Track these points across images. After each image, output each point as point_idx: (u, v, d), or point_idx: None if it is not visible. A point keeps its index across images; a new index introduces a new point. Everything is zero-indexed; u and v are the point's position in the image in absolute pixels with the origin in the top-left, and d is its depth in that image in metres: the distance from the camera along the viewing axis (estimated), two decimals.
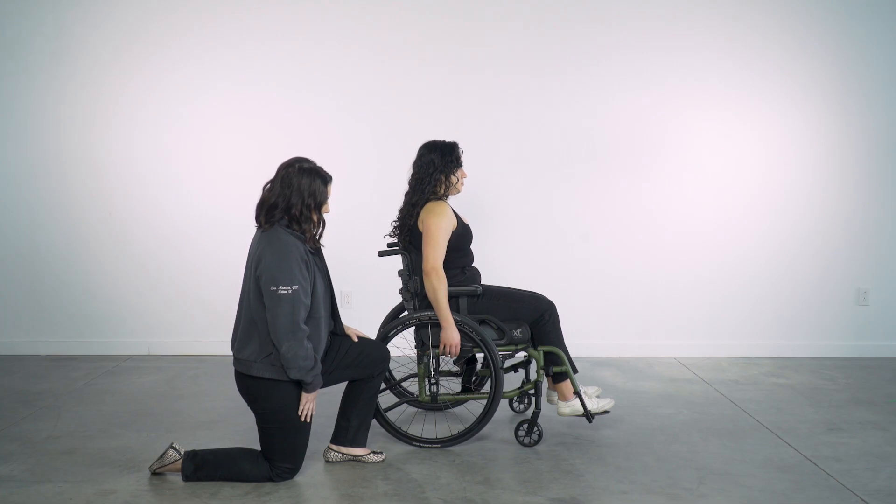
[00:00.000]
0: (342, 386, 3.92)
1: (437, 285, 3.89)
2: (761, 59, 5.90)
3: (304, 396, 3.56)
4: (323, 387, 3.67)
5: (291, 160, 3.59)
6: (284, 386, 3.53)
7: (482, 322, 4.07)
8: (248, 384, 3.57)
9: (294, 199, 3.51)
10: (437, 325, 3.98)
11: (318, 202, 3.56)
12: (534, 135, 5.92)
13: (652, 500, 3.47)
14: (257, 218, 3.59)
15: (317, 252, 3.66)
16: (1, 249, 6.02)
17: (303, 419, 3.59)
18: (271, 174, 3.63)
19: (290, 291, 3.41)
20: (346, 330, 3.87)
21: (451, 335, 3.92)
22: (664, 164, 5.97)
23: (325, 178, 3.59)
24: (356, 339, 3.84)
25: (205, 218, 5.96)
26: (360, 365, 3.78)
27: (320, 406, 4.55)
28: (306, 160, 3.60)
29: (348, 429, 3.84)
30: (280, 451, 3.58)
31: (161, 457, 3.65)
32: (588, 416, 4.11)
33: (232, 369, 3.70)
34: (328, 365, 3.70)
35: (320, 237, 3.66)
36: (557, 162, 5.94)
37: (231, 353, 3.67)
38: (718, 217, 6.01)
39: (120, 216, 5.98)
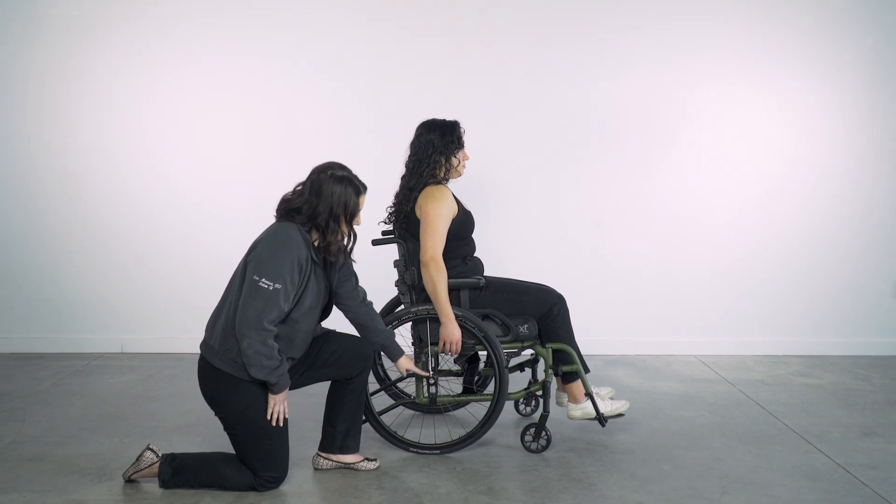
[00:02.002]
0: (327, 388, 3.89)
1: (436, 277, 3.87)
2: (789, 31, 5.88)
3: (272, 398, 3.54)
4: (293, 388, 3.66)
5: (326, 165, 3.60)
6: (247, 386, 3.51)
7: (485, 317, 4.06)
8: (210, 380, 3.55)
9: (321, 207, 3.51)
10: (436, 321, 3.97)
11: (349, 213, 3.56)
12: (541, 113, 5.91)
13: None
14: (277, 211, 3.60)
15: (323, 263, 3.64)
16: None
17: (273, 423, 3.56)
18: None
19: (271, 288, 3.39)
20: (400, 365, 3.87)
21: (452, 331, 3.90)
22: (682, 147, 5.96)
23: (357, 189, 3.59)
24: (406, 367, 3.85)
25: (183, 205, 5.95)
26: (337, 364, 3.77)
27: (307, 409, 4.54)
28: (341, 167, 3.61)
29: (335, 435, 3.83)
30: (257, 459, 3.56)
31: (136, 461, 3.64)
32: (601, 419, 4.10)
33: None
34: (299, 364, 3.69)
35: (351, 250, 3.65)
36: (566, 144, 5.93)
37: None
38: (742, 203, 6.00)
39: (91, 203, 5.97)
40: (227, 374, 3.50)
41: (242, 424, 3.54)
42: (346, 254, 3.64)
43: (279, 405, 3.56)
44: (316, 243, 3.57)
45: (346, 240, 3.61)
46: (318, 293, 3.62)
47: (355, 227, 3.63)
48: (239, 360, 3.47)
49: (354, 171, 3.64)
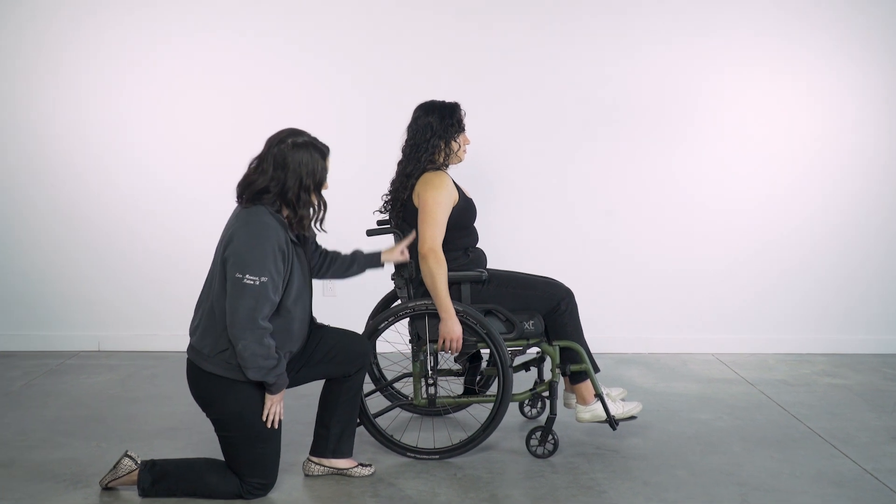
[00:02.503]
0: (320, 387, 3.90)
1: (436, 269, 3.86)
2: (815, 8, 5.86)
3: (268, 399, 3.54)
4: (291, 386, 3.65)
5: (282, 134, 3.54)
6: (243, 387, 3.51)
7: (488, 312, 4.05)
8: (201, 382, 3.54)
9: (290, 181, 3.48)
10: (435, 317, 3.96)
11: (318, 181, 3.53)
12: (548, 94, 5.89)
13: None
14: (239, 197, 3.55)
15: (300, 243, 3.63)
16: None
17: (269, 425, 3.56)
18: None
19: (258, 283, 3.37)
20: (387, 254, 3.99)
21: (452, 328, 3.90)
22: (700, 129, 5.95)
23: (322, 152, 3.57)
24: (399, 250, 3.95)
25: (164, 192, 5.95)
26: (332, 361, 3.76)
27: (298, 412, 4.54)
28: (297, 132, 3.56)
29: (328, 438, 3.83)
30: (247, 464, 3.56)
31: (114, 468, 3.64)
32: (612, 422, 4.10)
33: None
34: (295, 362, 3.68)
35: (322, 221, 3.62)
36: (574, 126, 5.92)
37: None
38: (764, 190, 5.99)
39: (65, 190, 5.96)
40: (220, 378, 3.49)
41: (237, 427, 3.53)
42: (312, 226, 3.60)
43: (276, 405, 3.56)
44: (288, 221, 3.54)
45: (318, 210, 3.58)
46: (304, 275, 3.62)
47: (324, 193, 3.60)
48: (233, 361, 3.46)
49: (314, 134, 3.60)
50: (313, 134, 3.60)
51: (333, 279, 4.03)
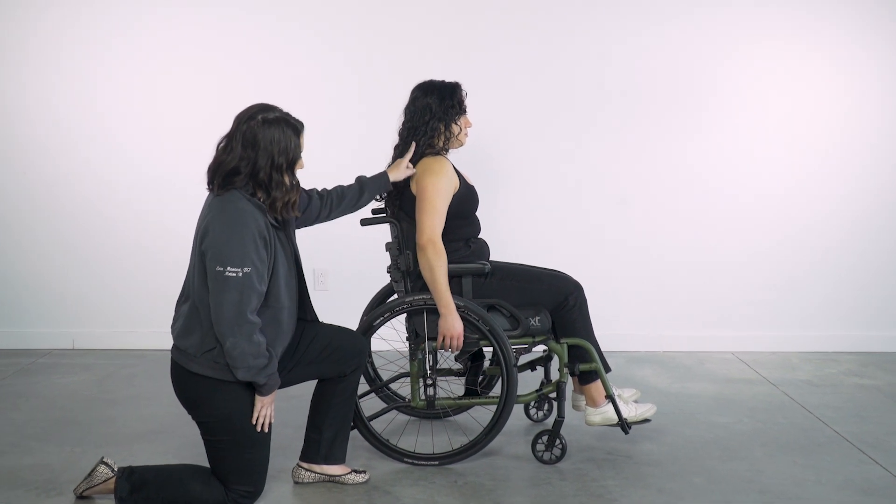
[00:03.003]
0: (311, 388, 3.89)
1: (435, 261, 3.86)
2: None
3: (259, 400, 3.53)
4: (282, 387, 3.64)
5: (251, 110, 3.52)
6: (232, 388, 3.49)
7: (491, 308, 4.05)
8: (187, 383, 3.53)
9: (261, 161, 3.45)
10: (434, 312, 3.96)
11: (291, 160, 3.51)
12: (555, 73, 5.89)
13: None
14: (210, 183, 3.53)
15: (281, 226, 3.60)
16: None
17: (259, 429, 3.55)
18: (226, 123, 3.56)
19: (241, 274, 3.35)
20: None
21: (452, 324, 3.89)
22: (718, 111, 5.95)
23: (295, 129, 3.54)
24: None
25: (143, 179, 5.95)
26: (327, 360, 3.76)
27: (288, 414, 4.53)
28: (270, 108, 3.54)
29: (320, 442, 3.82)
30: (234, 470, 3.55)
31: (89, 475, 3.63)
32: (624, 425, 4.10)
33: None
34: (287, 360, 3.67)
35: (294, 204, 3.59)
36: (583, 108, 5.92)
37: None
38: (787, 177, 5.98)
39: (36, 178, 5.96)
40: (207, 379, 3.47)
41: (225, 431, 3.52)
42: (289, 209, 3.56)
43: (266, 408, 3.55)
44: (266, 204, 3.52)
45: (291, 191, 3.55)
46: (289, 259, 3.61)
47: (299, 173, 3.59)
48: (221, 361, 3.45)
49: (286, 110, 3.57)
50: (304, 114, 3.59)
51: (345, 214, 4.06)
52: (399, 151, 4.11)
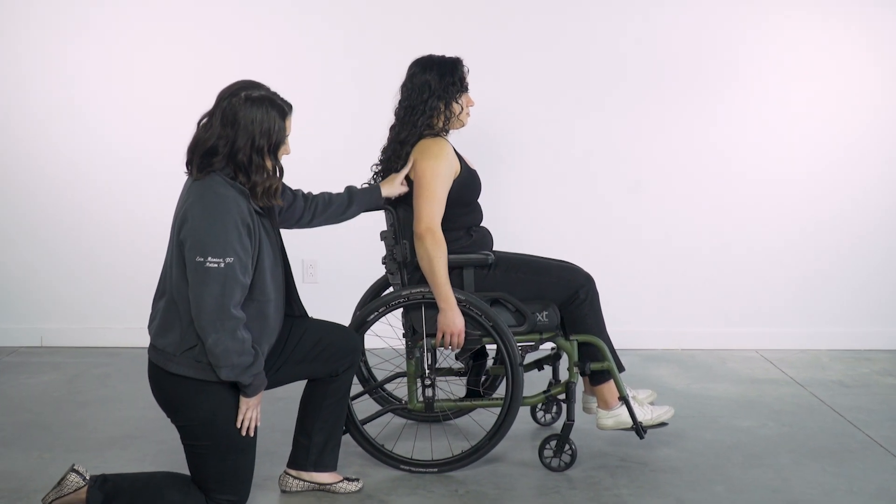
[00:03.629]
0: (300, 388, 3.89)
1: (434, 252, 3.86)
2: None
3: (244, 402, 3.53)
4: (269, 388, 3.63)
5: (235, 86, 3.52)
6: (214, 389, 3.49)
7: (495, 302, 4.05)
8: (166, 385, 3.53)
9: (240, 140, 3.44)
10: (433, 307, 3.96)
11: (274, 143, 3.50)
12: (565, 48, 5.88)
13: None
14: (188, 164, 3.52)
15: (266, 213, 3.60)
16: None
17: (243, 433, 3.55)
18: (209, 101, 3.55)
19: (223, 265, 3.35)
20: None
21: (453, 319, 3.89)
22: (742, 89, 5.94)
23: (281, 110, 3.53)
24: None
25: (118, 162, 5.95)
26: (317, 359, 3.76)
27: (275, 416, 4.54)
28: (256, 85, 3.53)
29: (309, 448, 3.82)
30: (216, 478, 3.55)
31: (58, 484, 3.61)
32: (639, 429, 4.10)
33: None
34: (275, 359, 3.67)
35: (277, 190, 3.59)
36: (594, 86, 5.91)
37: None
38: (816, 160, 5.98)
39: (1, 160, 5.95)
40: (188, 379, 3.47)
41: (207, 435, 3.52)
42: (270, 195, 3.55)
43: (252, 410, 3.55)
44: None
45: (273, 177, 3.54)
46: (275, 248, 3.61)
47: (283, 158, 3.57)
48: (203, 360, 3.44)
49: (274, 90, 3.56)
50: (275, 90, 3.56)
51: (328, 224, 4.06)
52: (395, 133, 4.10)
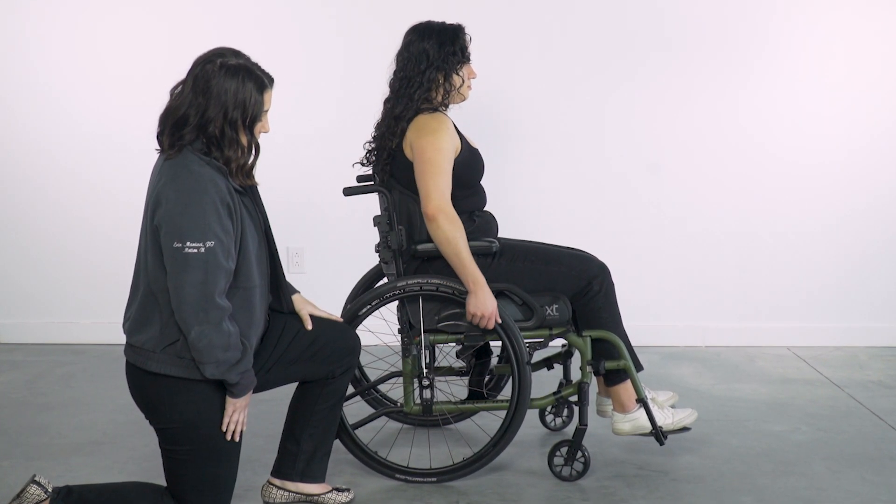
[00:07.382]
0: (288, 390, 3.89)
1: (451, 231, 3.86)
2: None
3: (230, 403, 3.52)
4: (257, 390, 3.62)
5: (212, 53, 3.52)
6: (198, 389, 3.48)
7: (500, 294, 4.03)
8: (146, 385, 3.52)
9: (213, 111, 3.43)
10: (431, 299, 3.98)
11: (250, 117, 3.49)
12: (576, 15, 5.88)
13: None
14: (159, 137, 3.51)
15: (247, 191, 3.59)
16: None
17: (228, 437, 3.54)
18: (182, 73, 3.54)
19: (203, 250, 3.34)
20: (296, 305, 3.83)
21: (484, 301, 3.88)
22: (772, 61, 5.95)
23: (260, 82, 3.52)
24: (309, 322, 3.78)
25: (84, 139, 5.97)
26: (313, 359, 3.75)
27: (258, 421, 4.53)
28: (235, 53, 3.53)
29: (298, 456, 3.82)
30: (194, 488, 3.55)
31: (18, 496, 3.60)
32: (658, 434, 4.10)
33: (123, 363, 3.64)
34: (265, 358, 3.66)
35: (251, 168, 3.58)
36: (610, 56, 5.93)
37: (123, 337, 3.61)
38: (853, 139, 6.00)
39: None
40: (169, 378, 3.46)
41: (188, 439, 3.51)
42: (246, 173, 3.54)
43: (239, 413, 3.53)
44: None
45: (247, 154, 3.54)
46: (258, 229, 3.61)
47: (260, 135, 3.56)
48: (186, 355, 3.43)
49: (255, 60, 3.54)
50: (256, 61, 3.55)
51: None
52: (390, 107, 4.08)
